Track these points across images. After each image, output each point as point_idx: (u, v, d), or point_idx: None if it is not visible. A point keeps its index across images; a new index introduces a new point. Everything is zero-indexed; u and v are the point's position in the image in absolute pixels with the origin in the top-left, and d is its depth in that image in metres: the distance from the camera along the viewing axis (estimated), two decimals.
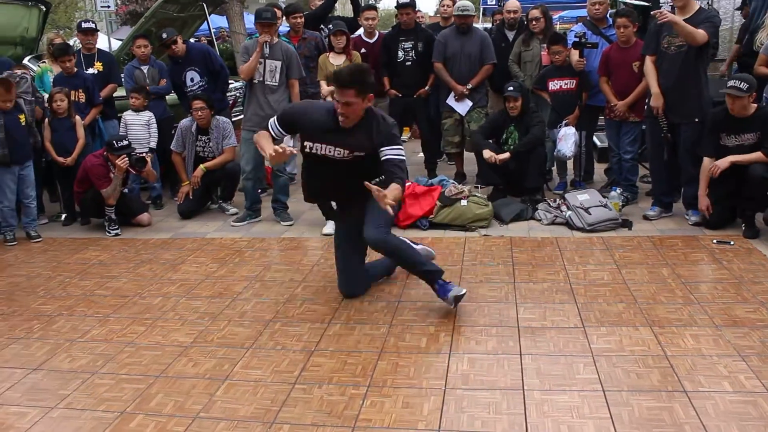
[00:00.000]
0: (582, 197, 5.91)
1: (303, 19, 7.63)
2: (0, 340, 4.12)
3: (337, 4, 9.96)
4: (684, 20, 5.38)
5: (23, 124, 6.09)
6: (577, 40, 6.58)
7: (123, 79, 7.34)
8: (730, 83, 5.27)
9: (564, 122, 6.59)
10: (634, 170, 6.56)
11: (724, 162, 5.36)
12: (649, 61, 5.69)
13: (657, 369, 3.38)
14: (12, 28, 8.34)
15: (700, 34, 5.27)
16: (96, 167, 6.21)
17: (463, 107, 7.08)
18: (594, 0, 6.74)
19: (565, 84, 6.67)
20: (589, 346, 3.66)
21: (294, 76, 6.31)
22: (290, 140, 6.52)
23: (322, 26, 8.12)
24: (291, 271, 5.10)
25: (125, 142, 6.26)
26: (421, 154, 7.89)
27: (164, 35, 7.09)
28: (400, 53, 7.28)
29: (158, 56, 8.37)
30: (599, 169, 7.42)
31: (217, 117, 6.75)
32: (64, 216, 6.84)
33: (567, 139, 6.48)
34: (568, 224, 5.84)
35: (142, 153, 6.47)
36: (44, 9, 8.67)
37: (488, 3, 16.67)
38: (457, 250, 5.41)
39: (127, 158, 6.17)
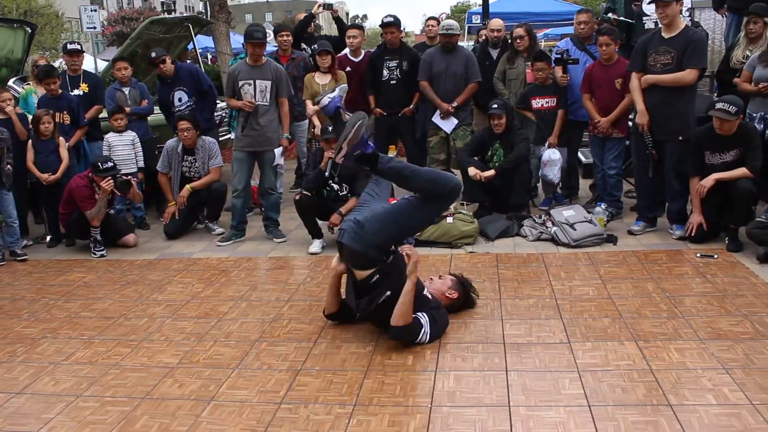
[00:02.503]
0: (567, 213, 5.94)
1: (291, 38, 7.67)
2: None
3: (323, 23, 10.03)
4: (669, 38, 5.49)
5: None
6: (559, 56, 6.66)
7: (105, 102, 7.33)
8: (719, 105, 5.31)
9: (547, 144, 6.64)
10: (619, 186, 6.61)
11: (709, 180, 5.41)
12: (635, 78, 5.73)
13: (642, 383, 3.39)
14: None
15: (687, 77, 5.44)
16: (81, 189, 6.20)
17: (448, 125, 7.12)
18: (579, 20, 6.87)
19: (547, 102, 6.74)
20: (575, 362, 3.67)
21: (283, 94, 6.34)
22: (281, 158, 6.55)
23: (305, 46, 8.15)
24: (277, 290, 5.08)
25: (110, 164, 6.26)
26: None
27: (153, 54, 7.12)
28: (385, 72, 7.33)
29: (146, 75, 8.38)
30: (584, 184, 7.47)
31: (203, 137, 6.76)
32: (49, 238, 6.81)
33: (552, 165, 6.55)
34: (554, 240, 5.87)
35: (128, 174, 6.47)
36: (29, 31, 8.67)
37: (473, 22, 16.78)
38: (443, 267, 5.42)
39: (112, 181, 6.15)
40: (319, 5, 8.36)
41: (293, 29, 8.33)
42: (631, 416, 3.10)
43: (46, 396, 3.64)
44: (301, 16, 8.96)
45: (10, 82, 8.42)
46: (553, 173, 6.56)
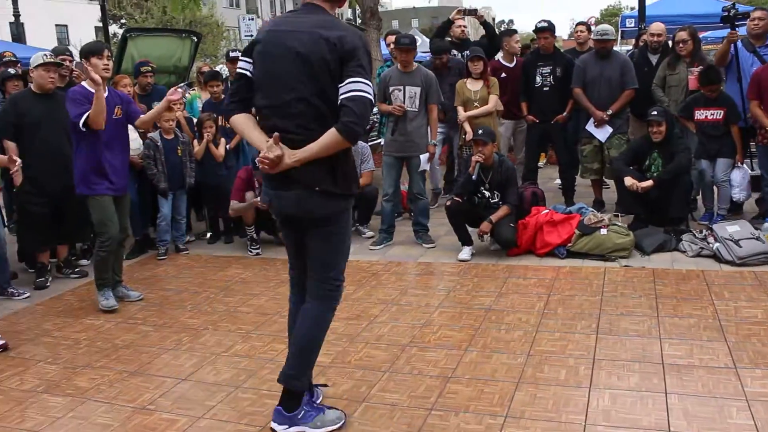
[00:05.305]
0: (732, 229, 5.59)
1: (447, 59, 7.65)
2: (152, 350, 4.38)
3: (470, 29, 10.01)
4: None
5: (179, 155, 6.55)
6: (725, 14, 6.37)
7: None
8: None
9: (735, 164, 6.39)
10: None
11: None
12: None
13: None
14: (168, 58, 8.95)
15: None
16: (238, 179, 6.50)
17: (602, 133, 6.91)
18: (754, 15, 6.43)
19: (711, 114, 6.36)
20: (743, 389, 3.44)
21: (433, 101, 6.39)
22: (426, 164, 6.59)
23: (455, 51, 8.15)
24: (427, 296, 5.11)
25: None
26: (558, 181, 7.75)
27: None
28: (538, 78, 7.21)
29: None
30: (750, 198, 7.00)
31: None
32: (209, 234, 7.22)
33: (737, 187, 6.34)
34: (716, 257, 5.52)
35: None
36: (196, 40, 9.23)
37: (627, 25, 16.18)
38: (596, 280, 5.25)
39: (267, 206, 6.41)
40: (459, 11, 8.34)
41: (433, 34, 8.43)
42: None
43: (207, 384, 3.85)
44: None
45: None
46: (737, 193, 6.35)
